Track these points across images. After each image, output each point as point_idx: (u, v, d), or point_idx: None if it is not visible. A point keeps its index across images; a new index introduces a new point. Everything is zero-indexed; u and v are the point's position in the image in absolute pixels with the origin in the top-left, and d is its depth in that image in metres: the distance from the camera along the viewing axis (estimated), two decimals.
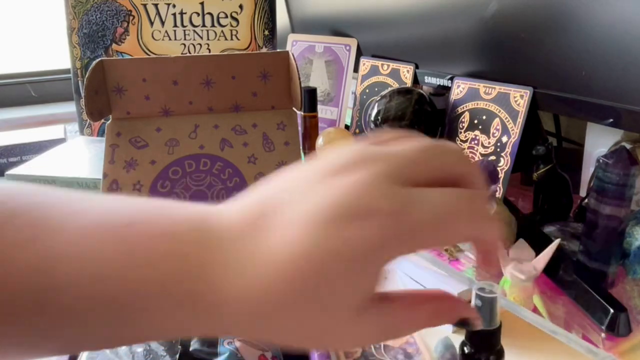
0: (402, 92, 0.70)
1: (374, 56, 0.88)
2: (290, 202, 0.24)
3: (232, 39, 1.00)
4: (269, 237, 0.23)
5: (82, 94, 1.00)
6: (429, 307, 0.26)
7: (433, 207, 0.23)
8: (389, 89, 0.73)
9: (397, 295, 0.26)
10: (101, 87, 0.56)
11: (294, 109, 0.59)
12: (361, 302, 0.23)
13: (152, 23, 0.98)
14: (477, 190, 0.26)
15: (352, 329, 0.24)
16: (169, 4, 0.98)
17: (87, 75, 0.54)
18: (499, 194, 0.62)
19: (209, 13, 0.99)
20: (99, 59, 0.56)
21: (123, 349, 0.42)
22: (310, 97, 0.88)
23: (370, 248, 0.22)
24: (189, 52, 1.00)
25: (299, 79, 0.55)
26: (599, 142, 0.66)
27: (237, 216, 0.24)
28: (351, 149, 0.26)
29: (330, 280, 0.22)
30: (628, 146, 0.58)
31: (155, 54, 0.99)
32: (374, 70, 0.86)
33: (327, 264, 0.22)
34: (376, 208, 0.23)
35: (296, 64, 0.55)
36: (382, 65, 0.85)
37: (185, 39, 0.99)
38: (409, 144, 0.26)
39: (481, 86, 0.68)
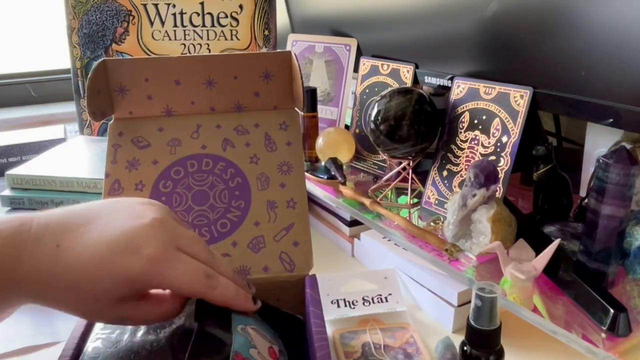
0: (402, 92, 0.70)
1: (374, 56, 0.88)
2: (94, 224, 0.38)
3: (232, 39, 1.00)
4: (69, 254, 0.36)
5: (84, 94, 1.00)
6: (164, 305, 0.39)
7: (186, 264, 0.38)
8: (389, 89, 0.73)
9: (150, 294, 0.39)
10: (104, 87, 0.56)
11: (296, 109, 0.59)
12: (119, 297, 0.36)
13: (152, 23, 0.98)
14: (216, 271, 0.40)
15: (109, 311, 0.37)
16: (169, 4, 0.98)
17: (89, 75, 0.54)
18: (499, 194, 0.63)
19: (209, 13, 0.99)
20: (102, 58, 0.56)
21: (123, 349, 0.42)
22: (311, 97, 0.88)
23: (129, 275, 0.36)
24: (189, 52, 1.00)
25: (302, 79, 0.55)
26: (599, 142, 0.66)
27: (48, 226, 0.36)
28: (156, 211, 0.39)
29: (103, 290, 0.36)
30: (628, 146, 0.59)
31: (155, 54, 0.99)
32: (374, 70, 0.86)
33: (104, 279, 0.35)
34: (145, 250, 0.36)
35: (298, 64, 0.56)
36: (382, 65, 0.85)
37: (185, 39, 1.00)
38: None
39: (481, 86, 0.68)
